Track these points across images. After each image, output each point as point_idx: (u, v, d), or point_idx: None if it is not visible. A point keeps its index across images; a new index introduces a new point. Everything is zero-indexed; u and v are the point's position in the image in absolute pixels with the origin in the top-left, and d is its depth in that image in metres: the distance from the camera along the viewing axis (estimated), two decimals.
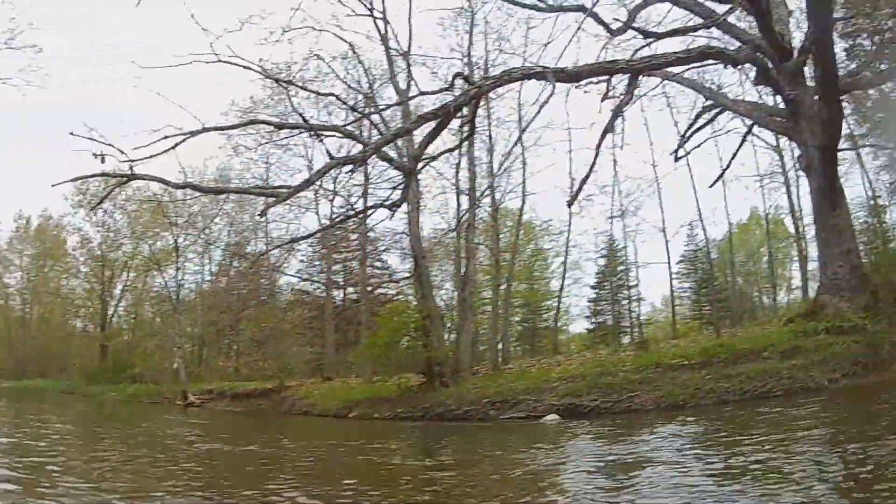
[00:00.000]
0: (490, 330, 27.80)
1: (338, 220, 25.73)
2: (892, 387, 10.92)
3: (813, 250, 22.78)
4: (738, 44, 16.35)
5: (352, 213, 22.18)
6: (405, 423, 16.06)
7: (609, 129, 15.97)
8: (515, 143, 24.84)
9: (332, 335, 30.04)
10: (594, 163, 16.80)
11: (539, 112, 14.59)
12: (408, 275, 28.08)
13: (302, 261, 35.67)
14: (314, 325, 32.27)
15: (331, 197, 29.06)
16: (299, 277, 35.37)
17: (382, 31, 21.99)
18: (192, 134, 14.53)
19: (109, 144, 12.70)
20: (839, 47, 20.24)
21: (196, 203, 32.93)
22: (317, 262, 34.98)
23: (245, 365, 32.69)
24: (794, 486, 5.31)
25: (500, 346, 27.05)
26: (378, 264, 34.99)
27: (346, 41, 22.84)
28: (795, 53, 15.95)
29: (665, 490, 5.75)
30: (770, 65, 15.77)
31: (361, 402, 19.06)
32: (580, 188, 17.41)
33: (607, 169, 28.62)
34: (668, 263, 29.37)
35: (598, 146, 16.61)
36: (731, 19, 16.84)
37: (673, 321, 30.56)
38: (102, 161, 12.79)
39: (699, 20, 16.21)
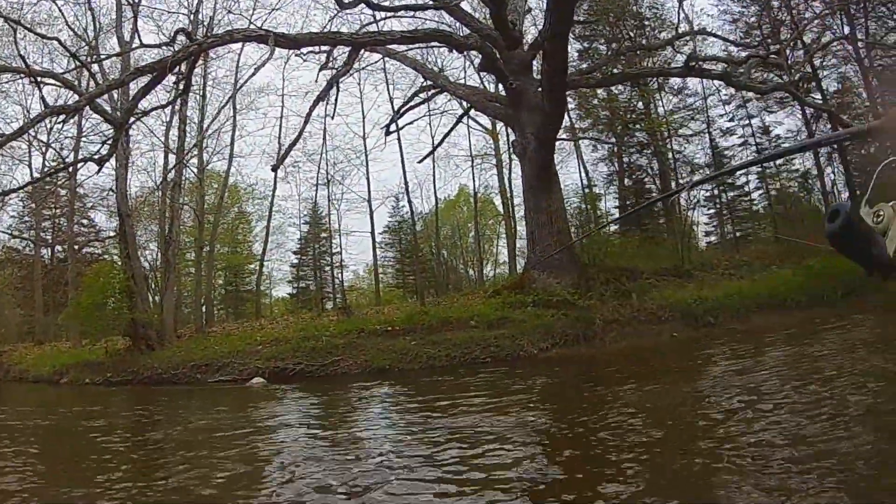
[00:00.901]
0: (194, 293, 27.36)
1: (48, 172, 24.05)
2: (597, 357, 12.22)
3: (522, 229, 24.78)
4: (467, 31, 17.10)
5: (62, 166, 20.71)
6: (115, 388, 15.43)
7: (322, 96, 16.26)
8: (226, 103, 25.04)
9: (41, 297, 28.42)
10: (303, 129, 17.13)
11: (254, 74, 14.65)
12: (113, 234, 26.56)
13: (13, 216, 32.91)
14: (24, 286, 30.15)
15: (44, 149, 27.51)
16: (9, 234, 32.46)
17: None
18: None
19: None
20: (573, 48, 22.13)
21: None
22: (27, 218, 32.60)
23: None
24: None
25: (203, 308, 26.77)
26: (85, 222, 33.25)
27: None
28: (526, 47, 17.15)
29: (359, 441, 6.74)
30: (497, 54, 16.81)
31: (72, 366, 18.06)
32: (286, 153, 17.79)
33: (317, 137, 29.07)
34: (372, 233, 29.89)
35: (309, 113, 16.95)
36: (466, 7, 17.78)
37: (377, 289, 31.41)
38: None
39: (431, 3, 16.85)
